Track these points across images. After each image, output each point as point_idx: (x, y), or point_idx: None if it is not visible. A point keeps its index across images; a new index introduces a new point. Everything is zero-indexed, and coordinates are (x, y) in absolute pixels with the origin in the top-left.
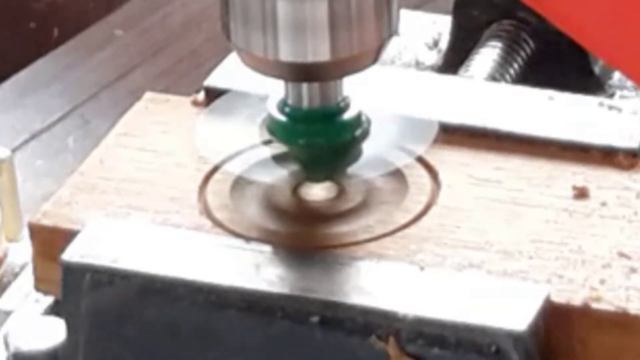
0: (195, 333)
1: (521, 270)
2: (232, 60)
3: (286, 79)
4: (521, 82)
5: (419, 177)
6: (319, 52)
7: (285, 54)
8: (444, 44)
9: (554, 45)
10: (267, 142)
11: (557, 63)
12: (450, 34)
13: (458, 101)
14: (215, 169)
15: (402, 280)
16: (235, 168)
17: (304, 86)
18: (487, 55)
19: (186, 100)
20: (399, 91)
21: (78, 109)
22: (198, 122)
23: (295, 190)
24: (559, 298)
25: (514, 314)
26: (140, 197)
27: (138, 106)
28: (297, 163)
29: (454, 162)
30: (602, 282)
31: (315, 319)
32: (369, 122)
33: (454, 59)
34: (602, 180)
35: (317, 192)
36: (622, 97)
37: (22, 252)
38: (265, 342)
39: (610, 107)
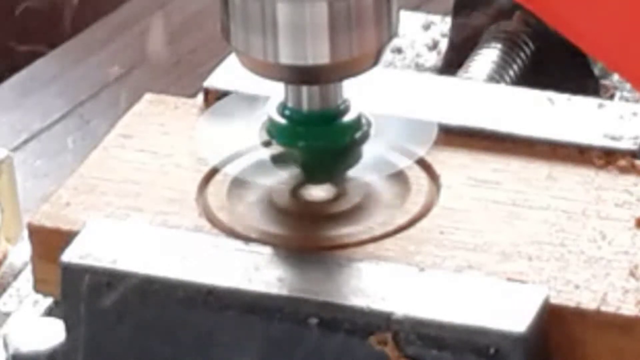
0: (194, 334)
1: (520, 271)
2: (232, 62)
3: (286, 82)
4: (521, 84)
5: (418, 179)
6: (319, 54)
7: (285, 57)
8: (443, 45)
9: (554, 46)
10: (267, 144)
11: (557, 64)
12: (449, 35)
13: (458, 103)
14: (214, 171)
15: (401, 281)
16: (234, 170)
17: (304, 89)
18: (487, 56)
19: (186, 101)
20: (398, 93)
21: (78, 109)
22: (198, 123)
23: (294, 191)
24: (558, 299)
25: (513, 315)
26: (139, 198)
27: (138, 107)
28: (297, 165)
29: (453, 163)
30: (601, 283)
31: (314, 320)
32: (368, 124)
33: (454, 61)
34: (601, 182)
35: (317, 193)
36: (622, 98)
37: (21, 253)
38: (264, 344)
39: (610, 109)
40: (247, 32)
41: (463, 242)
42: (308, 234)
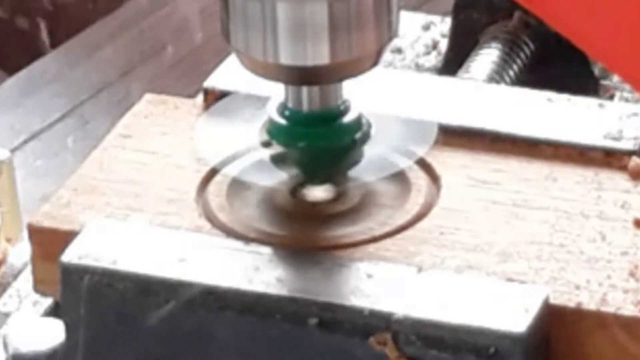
0: (194, 335)
1: (520, 271)
2: (232, 62)
3: (286, 83)
4: (520, 84)
5: (418, 179)
6: (319, 55)
7: (285, 58)
8: (443, 45)
9: (554, 46)
10: (266, 144)
11: (557, 64)
12: (449, 36)
13: (458, 103)
14: (214, 171)
15: (401, 282)
16: (234, 170)
17: (304, 89)
18: (487, 56)
19: (186, 102)
20: (398, 93)
21: (77, 109)
22: (198, 123)
23: (294, 192)
24: (558, 300)
25: (513, 315)
26: (139, 198)
27: (138, 107)
28: (296, 166)
29: (453, 163)
30: (601, 284)
31: (313, 320)
32: (368, 125)
33: (454, 61)
34: (601, 182)
35: (317, 193)
36: (622, 98)
37: (21, 253)
38: (264, 344)
39: (610, 109)
40: (247, 32)
41: (463, 242)
42: (308, 234)
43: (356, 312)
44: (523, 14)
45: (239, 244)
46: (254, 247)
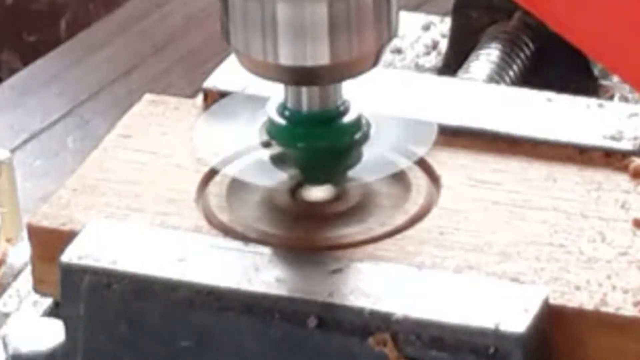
0: (194, 335)
1: (520, 271)
2: (232, 62)
3: (286, 83)
4: (520, 84)
5: (418, 179)
6: (319, 55)
7: (285, 58)
8: (443, 45)
9: (554, 47)
10: (266, 145)
11: (557, 65)
12: (449, 36)
13: (457, 103)
14: (214, 171)
15: (401, 281)
16: (234, 170)
17: (304, 90)
18: (487, 56)
19: (186, 102)
20: (398, 93)
21: (77, 109)
22: (198, 124)
23: (294, 192)
24: (558, 300)
25: (512, 316)
26: (139, 198)
27: (138, 107)
28: (296, 166)
29: (453, 164)
30: (601, 284)
31: (313, 320)
32: (368, 125)
33: (454, 61)
34: (601, 182)
35: (317, 194)
36: (621, 98)
37: (21, 253)
38: (263, 344)
39: (610, 109)
40: (247, 33)
41: (463, 242)
42: (308, 234)
43: (356, 312)
44: (523, 14)
45: (238, 244)
46: (253, 247)
